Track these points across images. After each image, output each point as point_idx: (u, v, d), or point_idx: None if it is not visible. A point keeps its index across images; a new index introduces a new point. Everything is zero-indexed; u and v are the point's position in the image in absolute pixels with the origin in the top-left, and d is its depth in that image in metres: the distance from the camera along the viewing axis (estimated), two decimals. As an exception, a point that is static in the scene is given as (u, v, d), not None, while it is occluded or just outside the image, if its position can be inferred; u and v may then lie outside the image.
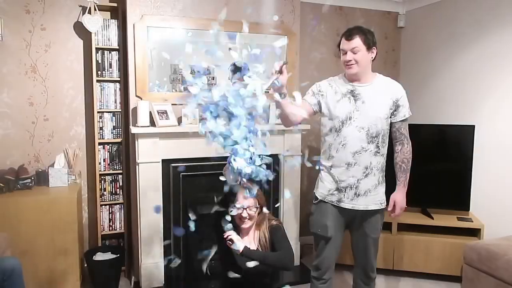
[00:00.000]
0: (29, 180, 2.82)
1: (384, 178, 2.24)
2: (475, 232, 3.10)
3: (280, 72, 1.88)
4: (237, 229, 2.16)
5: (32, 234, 2.60)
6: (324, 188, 2.25)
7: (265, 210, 2.17)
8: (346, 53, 2.12)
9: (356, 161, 2.14)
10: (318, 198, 2.26)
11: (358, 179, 2.15)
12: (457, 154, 3.19)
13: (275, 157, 3.04)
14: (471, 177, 3.14)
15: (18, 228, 2.56)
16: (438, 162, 3.22)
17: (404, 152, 2.22)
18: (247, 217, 2.14)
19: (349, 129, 2.14)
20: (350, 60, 2.10)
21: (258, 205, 2.17)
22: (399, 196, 2.23)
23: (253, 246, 2.16)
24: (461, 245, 2.94)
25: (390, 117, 2.18)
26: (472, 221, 3.12)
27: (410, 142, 2.23)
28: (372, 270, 2.32)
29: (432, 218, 3.18)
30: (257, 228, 2.22)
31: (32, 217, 2.60)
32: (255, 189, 1.99)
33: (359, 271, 2.37)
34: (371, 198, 2.18)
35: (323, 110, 2.23)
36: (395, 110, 2.17)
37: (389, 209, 2.23)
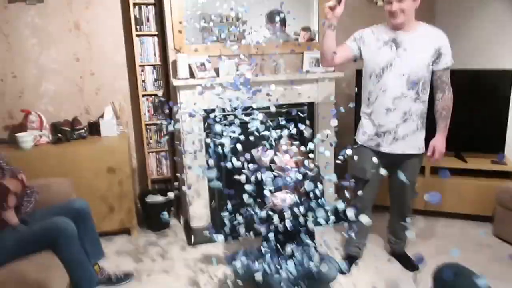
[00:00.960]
0: (83, 131, 3.06)
1: (424, 124, 2.32)
2: (508, 175, 3.15)
3: (339, 3, 2.03)
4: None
5: (91, 179, 2.87)
6: (364, 133, 2.39)
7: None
8: (391, 2, 2.13)
9: (396, 107, 2.24)
10: (358, 143, 2.41)
11: (397, 124, 2.26)
12: (494, 98, 3.15)
13: (310, 105, 3.17)
14: (507, 120, 3.14)
15: (78, 174, 2.82)
16: (473, 107, 3.21)
17: (445, 99, 2.27)
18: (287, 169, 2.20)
19: (390, 75, 2.22)
20: (396, 10, 2.11)
21: (296, 161, 2.22)
22: (439, 141, 2.31)
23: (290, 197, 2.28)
24: (494, 187, 3.02)
25: (432, 65, 2.22)
26: (506, 164, 3.16)
27: (451, 90, 2.28)
28: (408, 211, 2.48)
29: (466, 162, 3.24)
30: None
31: (89, 164, 2.86)
32: (295, 149, 2.13)
33: (395, 213, 2.53)
34: (409, 143, 2.30)
35: (363, 56, 2.31)
36: (437, 58, 2.21)
37: (429, 153, 2.33)
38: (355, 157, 2.30)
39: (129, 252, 2.87)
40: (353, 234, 2.38)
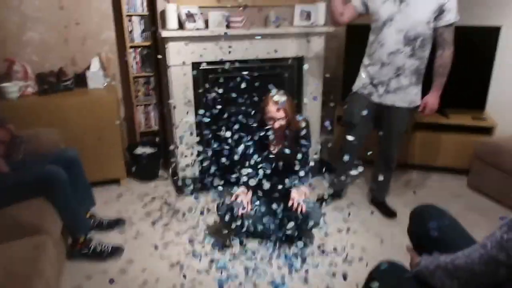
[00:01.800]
0: (69, 82, 3.03)
1: (420, 80, 2.40)
2: (488, 131, 3.27)
3: None
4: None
5: (79, 131, 2.88)
6: (359, 81, 2.53)
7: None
8: None
9: (390, 61, 2.33)
10: (352, 90, 2.56)
11: (390, 78, 2.37)
12: (479, 55, 3.21)
13: (300, 59, 3.18)
14: (490, 78, 3.22)
15: (66, 126, 2.81)
16: (458, 63, 3.25)
17: (443, 57, 2.32)
18: (278, 127, 2.27)
19: (389, 30, 2.30)
20: None
21: (286, 112, 2.26)
22: (431, 98, 2.40)
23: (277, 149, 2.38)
24: (472, 142, 3.15)
25: (434, 21, 2.24)
26: (486, 120, 3.28)
27: (452, 49, 2.32)
28: (392, 160, 2.63)
29: (448, 117, 3.34)
30: (287, 128, 2.34)
31: (77, 116, 2.85)
32: (284, 99, 2.18)
33: (381, 162, 2.68)
34: (400, 96, 2.40)
35: (370, 11, 2.39)
36: (440, 14, 2.22)
37: (420, 109, 2.42)
38: (348, 104, 2.56)
39: (119, 200, 2.95)
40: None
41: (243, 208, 2.24)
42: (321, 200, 2.88)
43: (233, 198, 2.27)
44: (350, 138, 2.37)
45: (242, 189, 2.32)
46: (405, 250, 1.48)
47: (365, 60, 2.50)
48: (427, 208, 1.50)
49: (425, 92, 2.47)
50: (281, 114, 2.25)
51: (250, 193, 2.34)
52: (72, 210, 2.18)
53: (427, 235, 1.37)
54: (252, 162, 2.30)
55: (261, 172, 2.26)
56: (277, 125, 2.27)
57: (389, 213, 2.75)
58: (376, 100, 2.47)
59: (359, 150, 2.69)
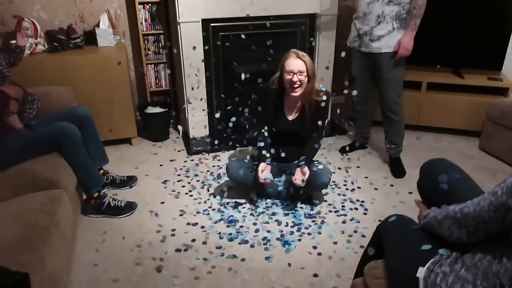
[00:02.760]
0: (79, 40, 3.00)
1: (403, 25, 2.48)
2: (503, 92, 3.20)
3: None
4: (285, 98, 2.33)
5: (90, 89, 2.88)
6: (350, 36, 2.72)
7: (316, 84, 2.25)
8: None
9: (370, 11, 2.48)
10: (348, 46, 2.72)
11: (372, 27, 2.52)
12: (498, 15, 3.10)
13: (311, 16, 3.09)
14: (509, 38, 3.11)
15: (77, 84, 2.81)
16: (476, 23, 3.15)
17: (414, 3, 2.40)
18: (298, 83, 2.16)
19: None
20: None
21: (307, 73, 2.17)
22: (405, 38, 2.49)
23: (294, 116, 2.36)
24: (486, 103, 3.08)
25: None
26: (502, 81, 3.20)
27: None
28: (391, 110, 2.69)
29: (463, 78, 3.27)
30: (304, 99, 2.27)
31: (88, 74, 2.85)
32: (306, 54, 2.16)
33: (384, 113, 2.77)
34: (384, 42, 2.52)
35: None
36: None
37: (394, 49, 2.51)
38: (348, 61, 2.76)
39: (130, 159, 2.99)
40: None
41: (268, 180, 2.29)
42: (343, 149, 3.11)
43: (259, 174, 2.27)
44: (354, 92, 2.53)
45: (264, 165, 2.31)
46: (414, 205, 1.49)
47: (354, 14, 2.67)
48: (438, 162, 1.49)
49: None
50: (302, 77, 2.17)
51: (269, 167, 2.35)
52: (85, 165, 2.22)
53: (437, 188, 1.37)
54: (267, 125, 2.30)
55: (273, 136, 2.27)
56: (295, 79, 2.17)
57: (399, 172, 2.76)
58: (365, 50, 2.61)
59: (369, 106, 2.93)
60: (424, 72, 3.35)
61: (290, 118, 2.37)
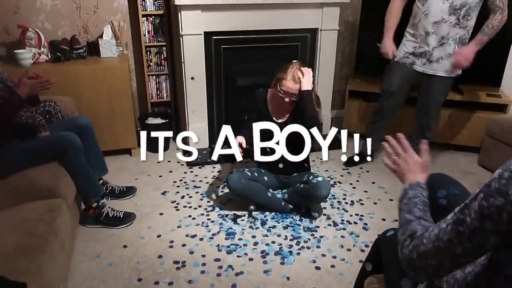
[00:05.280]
0: (82, 50, 3.02)
1: None
2: (501, 108, 3.22)
3: None
4: (273, 101, 2.35)
5: (92, 99, 2.89)
6: (401, 51, 2.60)
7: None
8: None
9: (434, 31, 2.41)
10: (393, 60, 2.64)
11: (433, 47, 2.45)
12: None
13: (312, 31, 3.13)
14: (507, 54, 3.15)
15: (79, 94, 2.83)
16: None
17: (493, 19, 2.36)
18: (289, 101, 2.25)
19: (434, 0, 2.36)
20: None
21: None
22: (468, 48, 2.41)
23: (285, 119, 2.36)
24: (485, 119, 3.10)
25: None
26: (501, 97, 3.22)
27: (506, 13, 2.34)
28: (428, 129, 2.74)
29: (462, 94, 3.29)
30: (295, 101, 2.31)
31: (90, 84, 2.87)
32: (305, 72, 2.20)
33: (417, 132, 2.77)
34: (442, 65, 2.48)
35: None
36: None
37: (454, 60, 2.44)
38: (387, 73, 2.73)
39: (130, 170, 2.99)
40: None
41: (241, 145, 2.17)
42: (350, 160, 2.90)
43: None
44: (382, 105, 2.65)
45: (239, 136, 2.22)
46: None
47: (410, 29, 2.57)
48: (437, 177, 1.48)
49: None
50: (297, 87, 2.22)
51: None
52: (85, 175, 2.21)
53: (435, 203, 1.36)
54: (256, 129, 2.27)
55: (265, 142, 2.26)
56: (288, 99, 2.24)
57: None
58: (419, 69, 2.55)
59: (390, 120, 2.89)
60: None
61: (280, 121, 2.37)
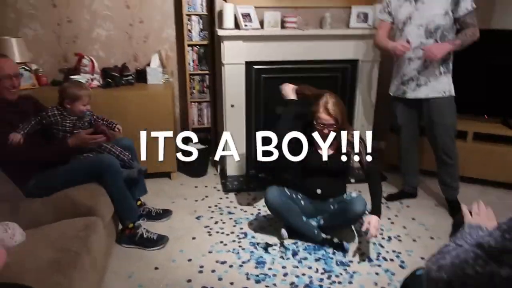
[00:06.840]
0: (131, 77, 3.21)
1: (449, 68, 2.51)
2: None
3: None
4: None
5: (136, 123, 3.01)
6: (393, 85, 2.68)
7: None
8: None
9: (416, 55, 2.47)
10: (391, 95, 2.72)
11: (419, 71, 2.50)
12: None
13: (353, 62, 3.12)
14: None
15: (125, 118, 2.97)
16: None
17: (467, 30, 2.39)
18: (327, 133, 2.23)
19: (409, 28, 2.47)
20: None
21: (337, 125, 2.25)
22: (439, 45, 2.39)
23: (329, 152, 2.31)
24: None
25: (453, 13, 2.39)
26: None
27: (477, 29, 2.39)
28: (446, 154, 2.64)
29: (511, 128, 3.11)
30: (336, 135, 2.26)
31: (135, 109, 3.01)
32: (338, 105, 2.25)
33: (437, 158, 2.71)
34: (432, 87, 2.50)
35: (393, 16, 2.58)
36: (455, 5, 2.37)
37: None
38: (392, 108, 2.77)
39: (168, 193, 3.06)
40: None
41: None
42: (392, 195, 3.01)
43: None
44: (400, 136, 2.68)
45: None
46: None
47: (395, 62, 2.66)
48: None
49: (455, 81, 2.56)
50: (332, 129, 2.25)
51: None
52: (123, 197, 2.30)
53: None
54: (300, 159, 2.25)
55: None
56: (326, 131, 2.25)
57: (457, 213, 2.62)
58: (411, 96, 2.57)
59: (415, 153, 2.88)
60: (470, 121, 3.22)
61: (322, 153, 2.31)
